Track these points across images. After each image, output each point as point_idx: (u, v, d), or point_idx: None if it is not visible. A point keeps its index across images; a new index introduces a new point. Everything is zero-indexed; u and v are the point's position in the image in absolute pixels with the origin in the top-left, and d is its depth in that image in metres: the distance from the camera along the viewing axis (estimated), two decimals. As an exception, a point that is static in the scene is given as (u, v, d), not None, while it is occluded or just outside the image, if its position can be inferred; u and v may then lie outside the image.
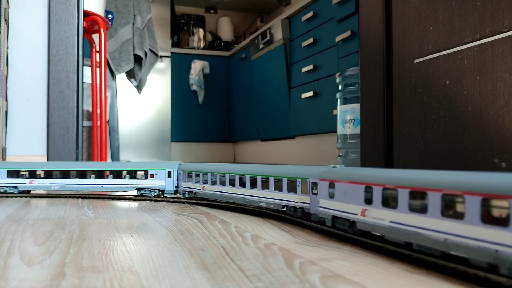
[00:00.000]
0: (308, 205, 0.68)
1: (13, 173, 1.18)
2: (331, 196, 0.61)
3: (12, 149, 1.75)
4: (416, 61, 1.11)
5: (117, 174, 1.13)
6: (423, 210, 0.45)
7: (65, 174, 1.16)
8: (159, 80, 3.63)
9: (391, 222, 0.49)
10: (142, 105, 3.55)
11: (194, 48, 3.89)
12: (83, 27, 1.90)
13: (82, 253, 0.53)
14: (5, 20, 1.68)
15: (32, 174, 1.17)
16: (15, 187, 1.18)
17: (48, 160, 1.76)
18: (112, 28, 2.60)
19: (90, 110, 2.24)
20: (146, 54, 2.77)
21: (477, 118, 0.94)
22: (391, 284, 0.41)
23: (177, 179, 1.10)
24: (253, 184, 0.82)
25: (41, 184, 1.17)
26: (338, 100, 1.70)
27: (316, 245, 0.58)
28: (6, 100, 1.73)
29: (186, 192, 1.07)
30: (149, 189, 1.11)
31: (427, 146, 1.07)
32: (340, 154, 1.74)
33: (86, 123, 2.21)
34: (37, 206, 1.00)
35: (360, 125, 1.31)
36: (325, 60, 2.29)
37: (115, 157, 2.65)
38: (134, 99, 3.48)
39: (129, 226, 0.73)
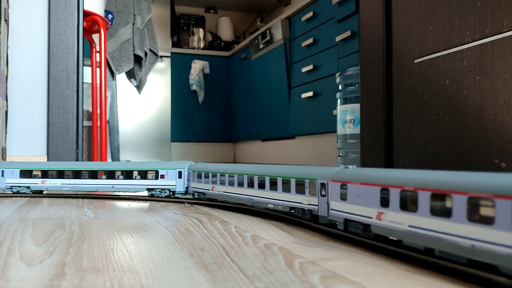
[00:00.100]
0: (317, 207, 0.66)
1: (26, 173, 1.18)
2: (343, 198, 0.59)
3: (12, 149, 1.75)
4: (416, 61, 1.11)
5: (127, 175, 1.12)
6: (446, 214, 0.42)
7: (76, 175, 1.16)
8: (159, 80, 3.63)
9: (410, 226, 0.47)
10: (142, 105, 3.55)
11: (194, 48, 3.89)
12: (83, 27, 1.90)
13: (82, 253, 0.53)
14: (5, 20, 1.68)
15: (44, 174, 1.17)
16: (28, 187, 1.18)
17: (48, 160, 1.76)
18: (112, 28, 2.60)
19: (90, 110, 2.24)
20: (146, 54, 2.77)
21: (477, 118, 0.94)
22: (392, 284, 0.41)
23: (188, 180, 1.08)
24: (261, 185, 0.80)
25: (53, 184, 1.17)
26: (338, 100, 1.70)
27: (316, 245, 0.58)
28: (6, 100, 1.73)
29: (196, 193, 1.05)
30: (160, 190, 1.09)
31: (427, 146, 1.07)
32: (340, 154, 1.74)
33: (86, 123, 2.20)
34: (37, 206, 1.00)
35: (360, 125, 1.31)
36: (325, 60, 2.29)
37: (115, 157, 2.65)
38: (134, 99, 3.48)
39: (129, 226, 0.73)
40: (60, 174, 1.16)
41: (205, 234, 0.66)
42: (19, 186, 1.18)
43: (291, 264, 0.48)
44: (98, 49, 2.23)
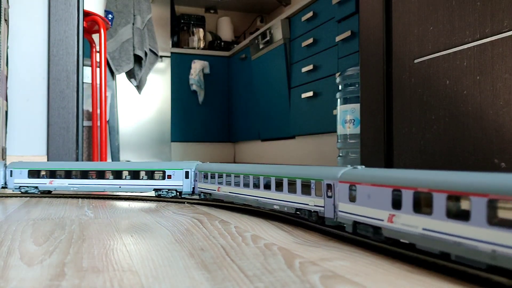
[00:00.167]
0: (323, 208, 0.64)
1: (34, 174, 1.18)
2: (352, 200, 0.57)
3: (12, 149, 1.75)
4: (416, 61, 1.11)
5: (134, 175, 1.12)
6: (464, 217, 0.40)
7: (84, 175, 1.16)
8: (159, 80, 3.63)
9: (424, 229, 0.45)
10: (142, 105, 3.55)
11: (194, 48, 3.89)
12: (83, 27, 1.90)
13: (82, 253, 0.53)
14: (5, 20, 1.68)
15: (52, 174, 1.18)
16: (36, 187, 1.19)
17: (48, 160, 1.76)
18: (112, 28, 2.60)
19: (90, 110, 2.24)
20: (146, 54, 2.77)
21: (477, 118, 0.94)
22: (392, 284, 0.41)
23: (194, 180, 1.07)
24: (267, 185, 0.78)
25: (60, 184, 1.17)
26: (338, 100, 1.70)
27: (316, 245, 0.58)
28: (6, 100, 1.73)
29: (202, 193, 1.04)
30: (167, 190, 1.09)
31: (427, 146, 1.07)
32: (340, 154, 1.74)
33: (86, 123, 2.21)
34: (37, 206, 1.00)
35: (360, 125, 1.31)
36: (325, 60, 2.29)
37: (115, 157, 2.65)
38: (134, 99, 3.48)
39: (129, 226, 0.73)
40: (68, 175, 1.17)
41: (205, 234, 0.66)
42: (27, 186, 1.19)
43: (291, 264, 0.48)
44: (98, 49, 2.23)
